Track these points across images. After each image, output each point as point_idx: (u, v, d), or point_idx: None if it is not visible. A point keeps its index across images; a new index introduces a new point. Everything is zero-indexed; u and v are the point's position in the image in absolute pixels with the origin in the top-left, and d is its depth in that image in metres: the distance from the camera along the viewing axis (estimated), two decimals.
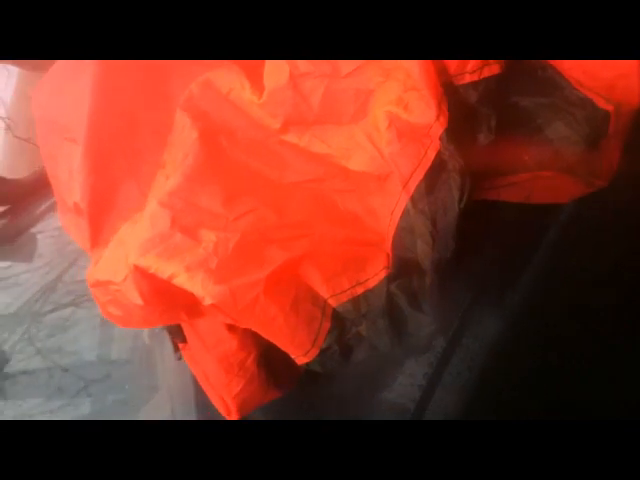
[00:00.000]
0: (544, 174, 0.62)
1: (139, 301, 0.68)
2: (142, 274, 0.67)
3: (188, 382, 0.96)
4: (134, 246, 0.68)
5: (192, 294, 0.67)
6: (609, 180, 0.61)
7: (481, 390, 0.70)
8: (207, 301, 0.64)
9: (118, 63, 0.74)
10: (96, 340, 1.44)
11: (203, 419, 0.92)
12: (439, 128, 0.57)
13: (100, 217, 0.76)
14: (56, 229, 1.64)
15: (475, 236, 0.62)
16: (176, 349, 0.86)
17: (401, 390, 0.77)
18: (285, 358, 0.74)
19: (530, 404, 0.68)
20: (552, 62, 0.60)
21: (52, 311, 1.48)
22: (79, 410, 1.37)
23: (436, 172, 0.59)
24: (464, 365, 0.73)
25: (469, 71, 0.57)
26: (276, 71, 0.66)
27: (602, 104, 0.58)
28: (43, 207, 1.60)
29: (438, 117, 0.56)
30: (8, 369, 1.41)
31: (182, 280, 0.65)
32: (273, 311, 0.65)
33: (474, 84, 0.58)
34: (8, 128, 1.95)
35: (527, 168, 0.62)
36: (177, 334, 0.81)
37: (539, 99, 0.60)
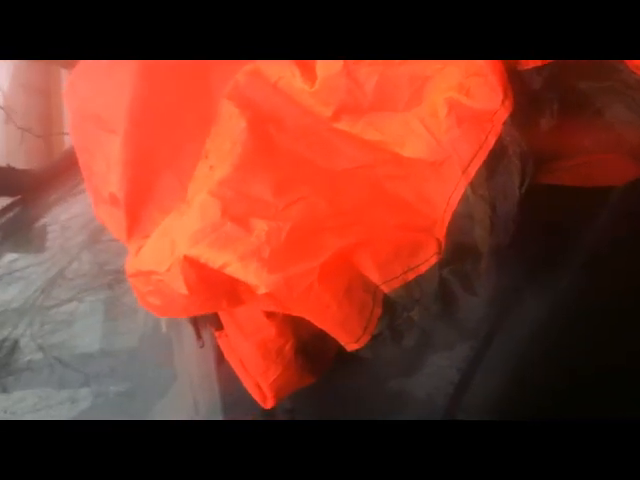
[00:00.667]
0: (603, 157, 0.61)
1: (184, 290, 0.67)
2: (191, 264, 0.66)
3: (210, 370, 0.95)
4: (184, 236, 0.67)
5: (238, 283, 0.66)
6: None
7: (524, 377, 0.70)
8: (261, 290, 0.63)
9: None
10: (99, 335, 1.42)
11: (226, 407, 0.90)
12: (504, 113, 0.56)
13: (138, 208, 0.76)
14: (60, 222, 1.62)
15: (528, 220, 0.61)
16: (199, 337, 0.85)
17: (440, 373, 0.76)
18: (320, 343, 0.74)
19: (574, 397, 0.67)
20: None
21: (55, 306, 1.46)
22: (82, 405, 1.34)
23: (497, 157, 0.58)
24: (507, 350, 0.72)
25: None
26: None
27: None
28: (50, 199, 1.59)
29: (503, 102, 0.56)
30: (11, 364, 1.38)
31: (235, 269, 0.64)
32: (327, 299, 0.64)
33: (538, 69, 0.57)
34: (9, 118, 1.92)
35: (587, 151, 0.62)
36: (214, 322, 0.80)
37: (598, 83, 0.59)
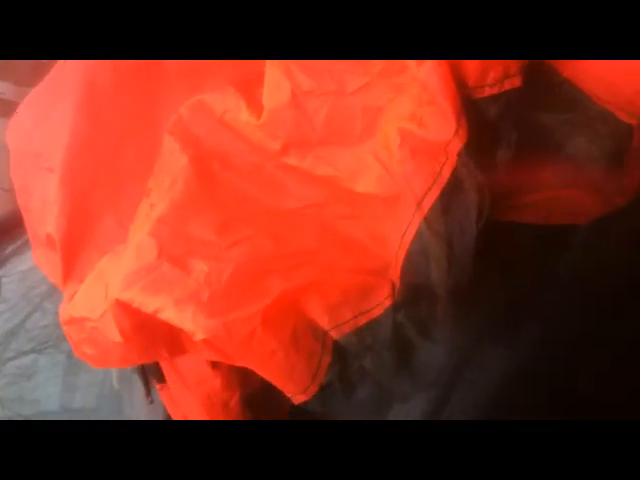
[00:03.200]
0: (565, 193, 0.55)
1: (118, 338, 0.59)
2: (124, 309, 0.58)
3: None
4: (117, 279, 0.59)
5: (176, 330, 0.58)
6: (630, 198, 0.54)
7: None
8: (198, 336, 0.55)
9: (102, 87, 0.69)
10: (59, 389, 1.31)
11: None
12: (458, 143, 0.50)
13: (75, 250, 0.69)
14: (20, 272, 1.53)
15: (487, 260, 0.54)
16: (147, 393, 0.77)
17: None
18: (272, 395, 0.65)
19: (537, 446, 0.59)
20: (570, 78, 0.53)
21: (13, 358, 1.36)
22: None
23: (452, 190, 0.51)
24: (467, 402, 0.64)
25: (489, 84, 0.51)
26: (276, 90, 0.59)
27: (624, 117, 0.52)
28: (8, 250, 1.50)
29: (457, 132, 0.49)
30: None
31: (170, 314, 0.56)
32: (272, 346, 0.56)
33: (494, 97, 0.51)
34: None
35: (547, 186, 0.55)
36: (155, 373, 0.71)
37: (559, 115, 0.53)
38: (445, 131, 0.50)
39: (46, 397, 1.26)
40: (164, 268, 0.58)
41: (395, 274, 0.56)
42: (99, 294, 0.61)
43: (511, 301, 0.59)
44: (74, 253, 0.69)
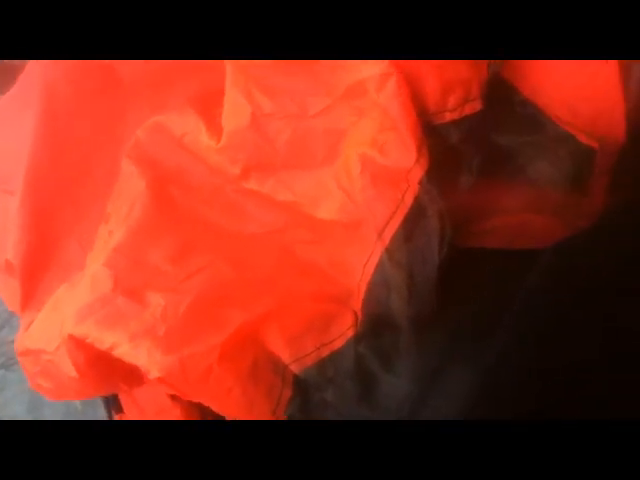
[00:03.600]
0: (526, 217, 0.54)
1: (73, 373, 0.56)
2: (78, 344, 0.55)
3: None
4: (71, 313, 0.56)
5: (133, 364, 0.55)
6: (593, 221, 0.53)
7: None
8: (153, 374, 0.53)
9: (62, 106, 0.66)
10: (26, 405, 1.28)
11: None
12: (419, 171, 0.48)
13: (34, 276, 0.66)
14: None
15: (450, 287, 0.52)
16: (109, 417, 0.72)
17: None
18: None
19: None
20: (531, 98, 0.52)
21: None
22: None
23: (414, 219, 0.49)
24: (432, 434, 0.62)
25: (450, 109, 0.49)
26: (236, 112, 0.56)
27: (585, 140, 0.51)
28: None
29: (418, 160, 0.48)
30: None
31: (125, 351, 0.53)
32: (229, 382, 0.53)
33: (455, 122, 0.49)
34: None
35: (509, 211, 0.54)
36: (113, 404, 0.69)
37: (519, 137, 0.52)
38: (406, 159, 0.48)
39: (14, 413, 1.23)
40: (119, 301, 0.55)
41: (357, 304, 0.54)
42: (55, 326, 0.58)
43: (474, 328, 0.57)
44: (34, 280, 0.66)
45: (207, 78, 0.64)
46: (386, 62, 0.48)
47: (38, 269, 0.66)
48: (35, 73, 0.69)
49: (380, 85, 0.49)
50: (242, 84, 0.56)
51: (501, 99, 0.52)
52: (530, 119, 0.52)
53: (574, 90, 0.52)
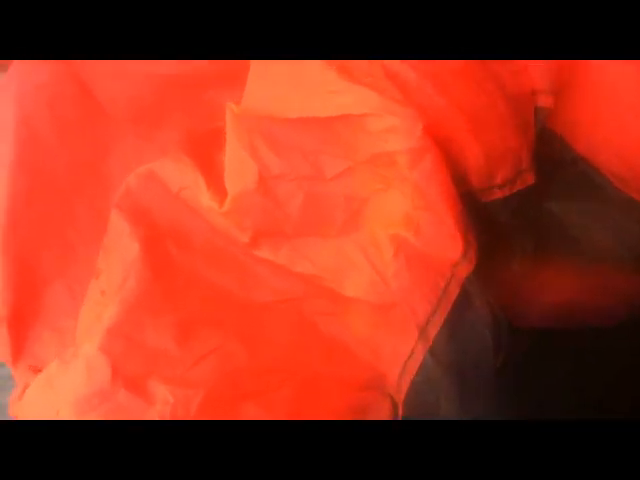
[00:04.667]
0: (583, 296, 0.46)
1: None
2: None
3: None
4: (67, 402, 0.49)
5: None
6: None
7: None
8: None
9: (42, 140, 0.60)
10: None
11: None
12: (467, 267, 0.41)
13: (23, 325, 0.60)
14: None
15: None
16: None
17: None
18: None
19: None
20: (585, 154, 0.44)
21: None
22: None
23: (460, 313, 0.42)
24: None
25: (498, 185, 0.41)
26: (241, 172, 0.49)
27: None
28: None
29: (466, 254, 0.40)
30: None
31: None
32: None
33: (505, 200, 0.42)
34: None
35: (563, 292, 0.46)
36: None
37: (572, 203, 0.44)
38: (450, 249, 0.41)
39: None
40: (120, 396, 0.48)
41: (396, 396, 0.48)
42: (50, 407, 0.52)
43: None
44: (22, 329, 0.60)
45: (198, 113, 0.57)
46: (419, 133, 0.40)
47: (26, 318, 0.60)
48: (9, 102, 0.61)
49: (413, 162, 0.41)
50: (246, 139, 0.48)
51: (549, 156, 0.44)
52: (584, 180, 0.45)
53: (636, 142, 0.44)
